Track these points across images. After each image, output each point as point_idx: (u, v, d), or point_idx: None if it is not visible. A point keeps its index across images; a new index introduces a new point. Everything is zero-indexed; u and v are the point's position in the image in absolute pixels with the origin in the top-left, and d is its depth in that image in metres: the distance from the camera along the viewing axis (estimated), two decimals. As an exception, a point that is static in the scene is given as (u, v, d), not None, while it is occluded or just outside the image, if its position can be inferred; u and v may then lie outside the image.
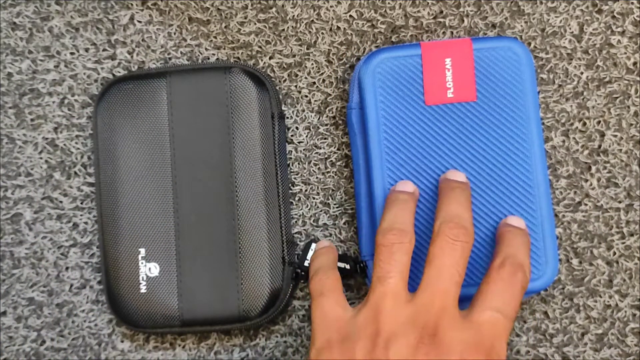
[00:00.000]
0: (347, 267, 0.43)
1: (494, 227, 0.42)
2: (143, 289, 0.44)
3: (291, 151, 0.46)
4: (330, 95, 0.47)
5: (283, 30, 0.47)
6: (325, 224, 0.46)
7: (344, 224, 0.46)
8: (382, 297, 0.36)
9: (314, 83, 0.47)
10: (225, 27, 0.47)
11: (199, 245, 0.44)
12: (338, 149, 0.46)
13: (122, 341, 0.46)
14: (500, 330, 0.35)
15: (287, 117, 0.47)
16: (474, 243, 0.41)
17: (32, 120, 0.47)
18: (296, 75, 0.47)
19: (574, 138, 0.46)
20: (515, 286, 0.37)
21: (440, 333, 0.35)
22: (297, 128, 0.47)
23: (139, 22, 0.47)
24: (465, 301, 0.38)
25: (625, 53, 0.46)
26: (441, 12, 0.46)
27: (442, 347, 0.34)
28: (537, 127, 0.43)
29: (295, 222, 0.46)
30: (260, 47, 0.47)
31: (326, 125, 0.47)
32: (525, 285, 0.37)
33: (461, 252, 0.36)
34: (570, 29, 0.46)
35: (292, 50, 0.47)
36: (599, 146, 0.46)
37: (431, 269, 0.36)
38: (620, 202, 0.46)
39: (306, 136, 0.47)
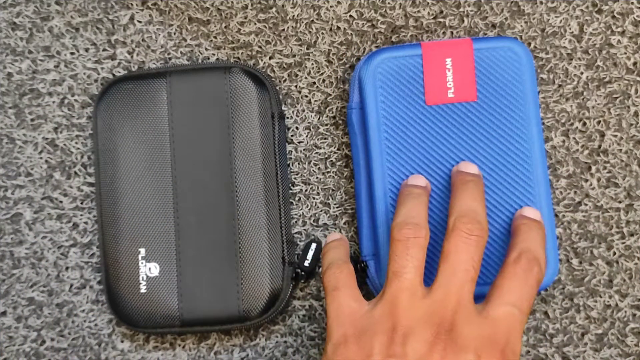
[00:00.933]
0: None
1: (494, 226, 0.42)
2: (143, 289, 0.44)
3: (291, 151, 0.46)
4: (330, 95, 0.47)
5: (283, 30, 0.47)
6: (325, 224, 0.46)
7: (344, 224, 0.46)
8: (398, 292, 0.36)
9: (314, 83, 0.47)
10: (225, 27, 0.47)
11: (199, 245, 0.44)
12: (338, 149, 0.46)
13: (122, 341, 0.46)
14: (515, 325, 0.36)
15: (287, 117, 0.47)
16: None
17: (32, 120, 0.47)
18: (296, 75, 0.47)
19: (574, 138, 0.46)
20: (531, 281, 0.37)
21: (457, 329, 0.35)
22: (297, 128, 0.47)
23: (139, 22, 0.47)
24: (480, 298, 0.38)
25: (625, 53, 0.46)
26: (441, 12, 0.46)
27: (459, 342, 0.34)
28: (537, 127, 0.43)
29: (295, 222, 0.46)
30: (260, 47, 0.47)
31: (326, 125, 0.47)
32: (540, 280, 0.37)
33: (476, 247, 0.36)
34: (570, 29, 0.46)
35: (292, 50, 0.47)
36: (599, 146, 0.46)
37: (446, 265, 0.36)
38: (620, 202, 0.46)
39: (306, 136, 0.47)
